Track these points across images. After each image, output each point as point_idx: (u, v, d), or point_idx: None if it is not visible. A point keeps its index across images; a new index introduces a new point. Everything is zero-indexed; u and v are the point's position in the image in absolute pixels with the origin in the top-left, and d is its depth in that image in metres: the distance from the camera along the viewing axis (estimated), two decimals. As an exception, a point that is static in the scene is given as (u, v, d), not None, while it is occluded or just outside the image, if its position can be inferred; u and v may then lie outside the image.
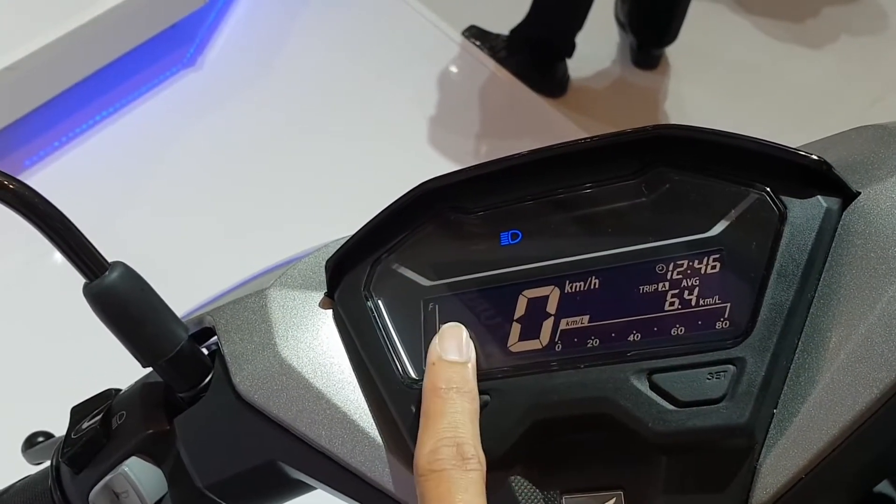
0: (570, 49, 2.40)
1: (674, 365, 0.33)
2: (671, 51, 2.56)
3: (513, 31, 2.45)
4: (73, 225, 0.39)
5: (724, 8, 2.83)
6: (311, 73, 2.50)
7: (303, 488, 0.44)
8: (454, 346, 0.36)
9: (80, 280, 0.39)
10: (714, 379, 0.32)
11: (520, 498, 0.35)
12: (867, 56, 2.62)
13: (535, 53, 2.39)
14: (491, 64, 2.49)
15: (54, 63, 2.13)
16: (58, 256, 0.38)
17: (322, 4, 2.72)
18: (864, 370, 0.31)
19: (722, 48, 2.62)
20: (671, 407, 0.33)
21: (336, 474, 0.39)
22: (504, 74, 2.44)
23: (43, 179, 2.28)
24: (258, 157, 2.28)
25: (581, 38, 2.40)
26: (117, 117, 2.41)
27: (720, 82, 2.52)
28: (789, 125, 2.35)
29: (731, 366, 0.32)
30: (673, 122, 2.24)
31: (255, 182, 2.21)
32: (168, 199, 2.12)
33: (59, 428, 0.51)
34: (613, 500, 0.35)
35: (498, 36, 2.53)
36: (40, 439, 0.57)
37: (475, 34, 2.56)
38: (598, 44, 2.57)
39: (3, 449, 0.75)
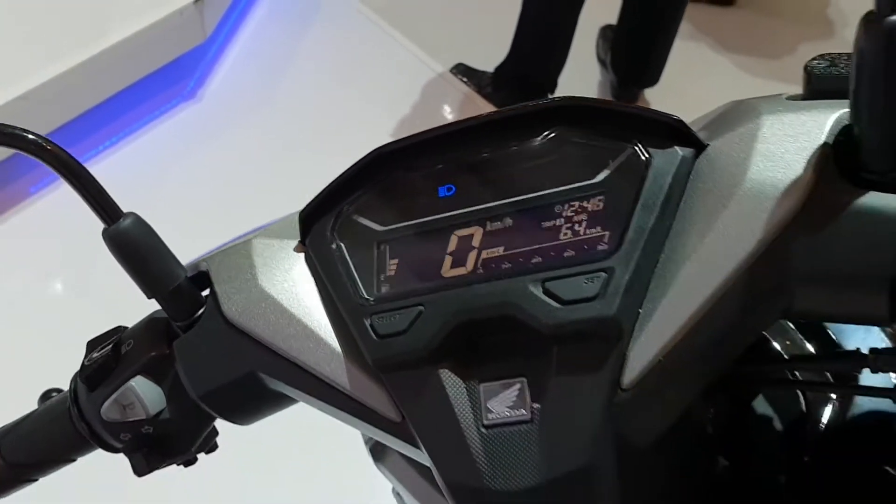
0: (552, 86, 2.52)
1: (562, 274, 0.42)
2: (650, 88, 2.69)
3: (497, 69, 2.59)
4: (95, 179, 0.49)
5: (703, 46, 2.96)
6: (305, 105, 2.62)
7: (281, 401, 0.53)
8: None
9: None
10: (590, 283, 0.42)
11: (447, 386, 0.45)
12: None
13: (519, 90, 2.51)
14: (478, 100, 2.62)
15: (62, 94, 2.25)
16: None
17: (316, 42, 2.86)
18: (704, 272, 0.40)
19: (700, 86, 2.74)
20: (557, 305, 0.42)
21: (305, 380, 0.49)
22: (490, 109, 2.56)
23: (48, 204, 2.39)
24: (256, 185, 2.39)
25: (563, 75, 2.52)
26: (120, 147, 2.53)
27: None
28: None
29: (603, 273, 0.42)
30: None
31: (255, 208, 2.32)
32: (170, 227, 2.22)
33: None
34: (518, 385, 0.44)
35: (484, 73, 2.67)
36: (54, 394, 0.66)
37: (462, 71, 2.71)
38: (579, 81, 2.69)
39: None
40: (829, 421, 0.54)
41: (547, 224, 0.45)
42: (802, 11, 3.10)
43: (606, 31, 2.76)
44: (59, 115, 2.29)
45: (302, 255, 0.51)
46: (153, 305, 0.53)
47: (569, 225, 0.44)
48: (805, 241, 0.39)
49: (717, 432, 0.53)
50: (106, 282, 2.12)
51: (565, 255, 0.43)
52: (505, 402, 0.44)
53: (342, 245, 0.49)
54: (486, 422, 0.44)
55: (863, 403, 0.54)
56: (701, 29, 2.98)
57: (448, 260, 0.46)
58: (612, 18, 2.62)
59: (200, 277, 0.53)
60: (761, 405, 0.55)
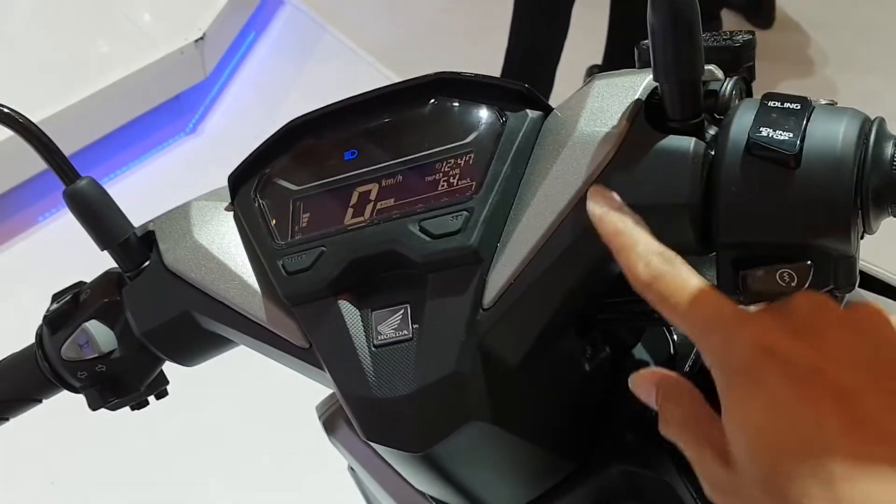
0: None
1: (434, 215, 0.51)
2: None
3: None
4: (57, 147, 0.58)
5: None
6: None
7: (214, 342, 0.61)
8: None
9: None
10: (455, 220, 0.50)
11: (344, 315, 0.53)
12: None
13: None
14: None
15: (66, 127, 2.36)
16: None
17: (314, 81, 2.98)
18: (544, 209, 0.49)
19: None
20: (429, 239, 0.50)
21: (231, 317, 0.57)
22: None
23: (54, 232, 2.49)
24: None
25: (554, 95, 2.62)
26: (123, 178, 2.64)
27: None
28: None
29: (465, 212, 0.50)
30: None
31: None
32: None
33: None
34: (402, 310, 0.52)
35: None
36: None
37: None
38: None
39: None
40: (692, 362, 0.61)
41: (429, 178, 0.53)
42: (780, 48, 3.20)
43: (593, 70, 2.87)
44: (63, 147, 2.39)
45: (231, 213, 0.60)
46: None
47: (445, 178, 0.53)
48: (620, 179, 0.47)
49: (598, 373, 0.60)
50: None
51: (440, 201, 0.52)
52: (391, 325, 0.52)
53: (263, 203, 0.58)
54: (376, 342, 0.52)
55: None
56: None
57: (349, 211, 0.55)
58: (597, 59, 2.72)
59: (147, 237, 0.62)
60: (639, 352, 0.63)
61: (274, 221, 0.57)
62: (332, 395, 0.92)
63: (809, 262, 0.44)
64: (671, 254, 0.43)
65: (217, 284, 0.57)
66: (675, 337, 0.62)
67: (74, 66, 2.52)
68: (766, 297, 0.46)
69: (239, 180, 0.59)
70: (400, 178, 0.54)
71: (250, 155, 0.59)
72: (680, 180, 0.45)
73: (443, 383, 0.50)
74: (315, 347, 0.54)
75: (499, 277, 0.50)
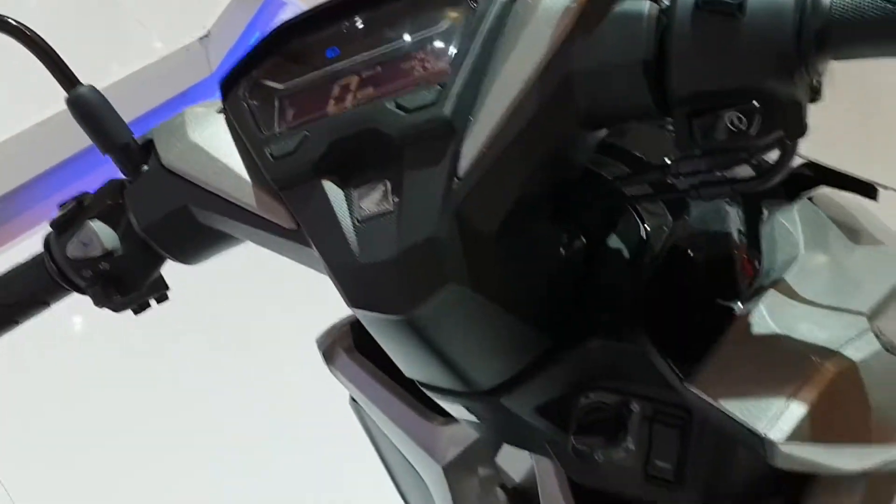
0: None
1: (409, 91, 0.55)
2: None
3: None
4: (58, 54, 0.62)
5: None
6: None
7: (212, 238, 0.65)
8: None
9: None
10: (429, 93, 0.54)
11: (329, 194, 0.56)
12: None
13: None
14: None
15: (72, 124, 2.40)
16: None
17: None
18: (511, 80, 0.52)
19: None
20: (404, 114, 0.54)
21: (225, 207, 0.61)
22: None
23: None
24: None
25: None
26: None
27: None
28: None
29: (439, 86, 0.54)
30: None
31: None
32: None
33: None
34: (383, 186, 0.55)
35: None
36: None
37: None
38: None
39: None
40: (663, 248, 0.64)
41: (406, 65, 0.57)
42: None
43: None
44: (68, 145, 2.45)
45: (223, 115, 0.64)
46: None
47: (420, 62, 0.56)
48: (581, 46, 0.51)
49: (573, 260, 0.64)
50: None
51: (418, 84, 0.55)
52: (373, 201, 0.56)
53: (252, 103, 0.62)
54: (359, 217, 0.56)
55: (691, 237, 0.64)
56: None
57: (332, 101, 0.59)
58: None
59: (147, 145, 0.66)
60: (613, 241, 0.66)
61: (261, 117, 0.60)
62: (332, 327, 0.96)
63: (755, 103, 0.47)
64: None
65: (211, 178, 0.61)
66: (647, 225, 0.66)
67: (81, 64, 2.56)
68: (719, 147, 0.49)
69: (229, 84, 0.63)
70: (378, 68, 0.58)
71: (239, 60, 0.63)
72: (635, 40, 0.49)
73: (421, 247, 0.53)
74: (302, 227, 0.58)
75: (472, 147, 0.53)
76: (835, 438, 0.56)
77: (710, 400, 0.56)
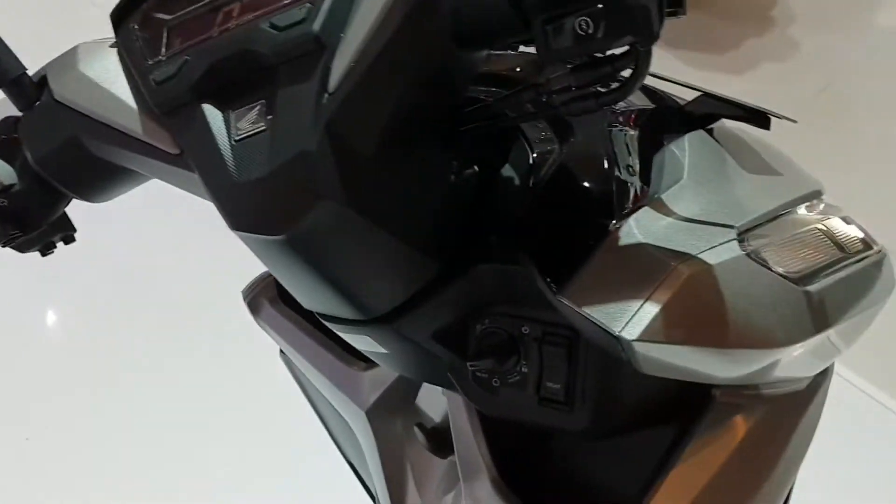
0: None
1: (282, 11, 0.55)
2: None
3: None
4: None
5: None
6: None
7: (106, 171, 0.66)
8: None
9: None
10: (300, 11, 0.54)
11: (208, 117, 0.57)
12: (782, 80, 2.88)
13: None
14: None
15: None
16: None
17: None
18: None
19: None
20: (277, 32, 0.55)
21: (114, 136, 0.62)
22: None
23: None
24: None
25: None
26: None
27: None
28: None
29: (309, 3, 0.54)
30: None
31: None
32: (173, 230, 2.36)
33: None
34: (258, 106, 0.56)
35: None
36: None
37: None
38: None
39: None
40: (548, 172, 0.66)
41: None
42: (744, 9, 3.25)
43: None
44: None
45: (115, 49, 0.65)
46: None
47: None
48: None
49: (464, 187, 0.65)
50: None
51: (294, 5, 0.56)
52: (249, 121, 0.57)
53: (142, 36, 0.62)
54: (236, 138, 0.57)
55: (574, 161, 0.66)
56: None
57: (216, 29, 0.59)
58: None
59: (41, 81, 0.67)
60: (506, 170, 0.68)
61: (150, 47, 0.61)
62: (256, 279, 0.97)
63: (600, 5, 0.48)
64: None
65: (99, 108, 0.62)
66: (534, 151, 0.67)
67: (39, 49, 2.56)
68: (573, 52, 0.51)
69: (120, 17, 0.64)
70: None
71: None
72: None
73: (293, 163, 0.54)
74: (184, 151, 0.59)
75: (341, 61, 0.54)
76: (691, 340, 0.57)
77: (573, 307, 0.57)
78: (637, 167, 0.66)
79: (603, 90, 0.55)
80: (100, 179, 0.68)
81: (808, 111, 2.75)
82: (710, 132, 0.73)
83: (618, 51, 0.53)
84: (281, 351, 1.00)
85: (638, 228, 0.59)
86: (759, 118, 0.74)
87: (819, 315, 0.63)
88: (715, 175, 0.67)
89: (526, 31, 0.53)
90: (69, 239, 0.72)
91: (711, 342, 0.58)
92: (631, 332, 0.55)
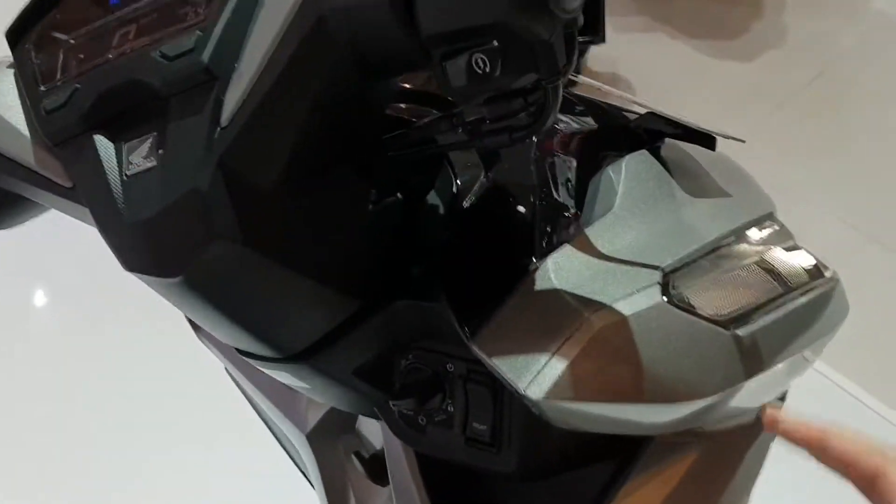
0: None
1: (172, 38, 0.52)
2: (593, 59, 2.77)
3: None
4: None
5: (661, 35, 3.03)
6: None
7: (7, 200, 0.62)
8: None
9: None
10: (189, 39, 0.51)
11: (99, 149, 0.53)
12: (775, 67, 2.83)
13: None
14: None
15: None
16: None
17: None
18: (271, 21, 0.49)
19: (662, 71, 2.82)
20: (166, 62, 0.51)
21: (7, 165, 0.59)
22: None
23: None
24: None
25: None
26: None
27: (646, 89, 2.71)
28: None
29: (199, 31, 0.51)
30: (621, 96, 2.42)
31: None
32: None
33: None
34: (150, 139, 0.53)
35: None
36: None
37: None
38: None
39: None
40: (472, 203, 0.62)
41: (181, 12, 0.54)
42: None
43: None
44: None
45: (12, 70, 0.61)
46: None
47: (194, 9, 0.53)
48: None
49: (385, 216, 0.61)
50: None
51: (181, 27, 0.52)
52: (140, 154, 0.53)
53: (38, 58, 0.59)
54: (127, 173, 0.53)
55: (498, 192, 0.62)
56: (657, 19, 3.07)
57: (111, 52, 0.56)
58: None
59: None
60: (431, 197, 0.64)
61: (46, 70, 0.58)
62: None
63: (496, 43, 0.44)
64: None
65: None
66: (459, 181, 0.63)
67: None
68: (470, 90, 0.47)
69: (16, 36, 0.60)
70: (155, 15, 0.55)
71: (24, 10, 0.60)
72: None
73: (183, 202, 0.51)
74: (76, 184, 0.55)
75: (234, 94, 0.50)
76: (602, 396, 0.54)
77: (484, 357, 0.54)
78: (568, 197, 0.62)
79: (516, 126, 0.51)
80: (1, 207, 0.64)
81: (802, 98, 2.70)
82: (656, 151, 0.69)
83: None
84: (226, 368, 0.97)
85: (555, 271, 0.56)
86: (705, 139, 0.70)
87: (751, 358, 0.59)
88: (651, 203, 0.63)
89: (427, 61, 0.49)
90: None
91: (625, 398, 0.55)
92: (535, 390, 0.52)
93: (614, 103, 0.76)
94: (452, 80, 0.47)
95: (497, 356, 0.54)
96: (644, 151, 0.67)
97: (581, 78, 0.77)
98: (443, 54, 0.46)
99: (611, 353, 0.53)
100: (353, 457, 0.80)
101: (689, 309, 0.57)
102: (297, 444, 0.91)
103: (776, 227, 0.71)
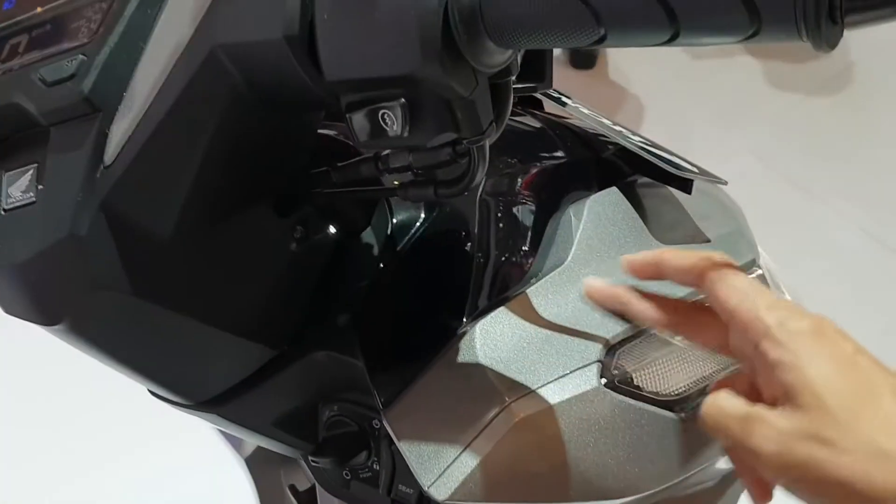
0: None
1: (54, 61, 0.45)
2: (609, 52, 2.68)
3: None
4: None
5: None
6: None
7: None
8: None
9: None
10: (69, 64, 0.44)
11: None
12: (801, 60, 2.71)
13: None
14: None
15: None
16: None
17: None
18: (161, 50, 0.43)
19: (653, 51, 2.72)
20: (45, 87, 0.45)
21: None
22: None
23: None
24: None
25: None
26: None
27: (656, 81, 2.62)
28: (719, 121, 2.45)
29: (82, 55, 0.44)
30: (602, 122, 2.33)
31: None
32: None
33: None
34: (31, 171, 0.47)
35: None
36: None
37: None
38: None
39: None
40: (405, 247, 0.56)
41: (74, 26, 0.47)
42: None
43: None
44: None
45: None
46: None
47: (87, 24, 0.47)
48: (223, 17, 0.41)
49: (314, 254, 0.55)
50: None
51: (67, 47, 0.46)
52: (20, 187, 0.47)
53: None
54: (5, 206, 0.47)
55: (435, 232, 0.56)
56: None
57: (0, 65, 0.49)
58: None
59: None
60: (367, 234, 0.58)
61: None
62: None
63: (403, 100, 0.38)
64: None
65: None
66: (395, 218, 0.57)
67: None
68: (375, 146, 0.41)
69: None
70: (48, 27, 0.49)
71: None
72: (275, 13, 0.39)
73: (59, 247, 0.45)
74: None
75: (119, 128, 0.44)
76: (518, 496, 0.47)
77: (394, 437, 0.48)
78: (518, 245, 0.56)
79: (442, 181, 0.45)
80: None
81: (828, 91, 2.59)
82: (630, 186, 0.62)
83: None
84: None
85: (482, 341, 0.49)
86: (680, 181, 0.63)
87: (702, 444, 0.53)
88: (612, 252, 0.56)
89: (328, 107, 0.43)
90: None
91: (545, 498, 0.48)
92: (440, 490, 0.46)
93: (589, 128, 0.68)
94: (357, 133, 0.40)
95: (405, 440, 0.48)
96: (613, 189, 0.60)
97: (551, 94, 0.70)
98: (349, 104, 0.40)
99: (531, 449, 0.47)
100: (287, 490, 0.75)
101: (632, 391, 0.50)
102: (239, 464, 0.86)
103: (757, 277, 0.64)
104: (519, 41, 0.36)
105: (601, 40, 0.34)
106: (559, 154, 0.64)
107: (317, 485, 0.69)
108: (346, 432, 0.57)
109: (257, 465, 0.81)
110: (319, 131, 0.54)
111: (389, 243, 0.56)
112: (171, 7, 0.43)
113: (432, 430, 0.47)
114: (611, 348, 0.50)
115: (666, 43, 0.33)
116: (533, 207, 0.58)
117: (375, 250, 0.56)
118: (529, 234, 0.57)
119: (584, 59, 2.66)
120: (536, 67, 0.47)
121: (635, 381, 0.50)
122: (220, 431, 0.84)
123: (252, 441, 0.65)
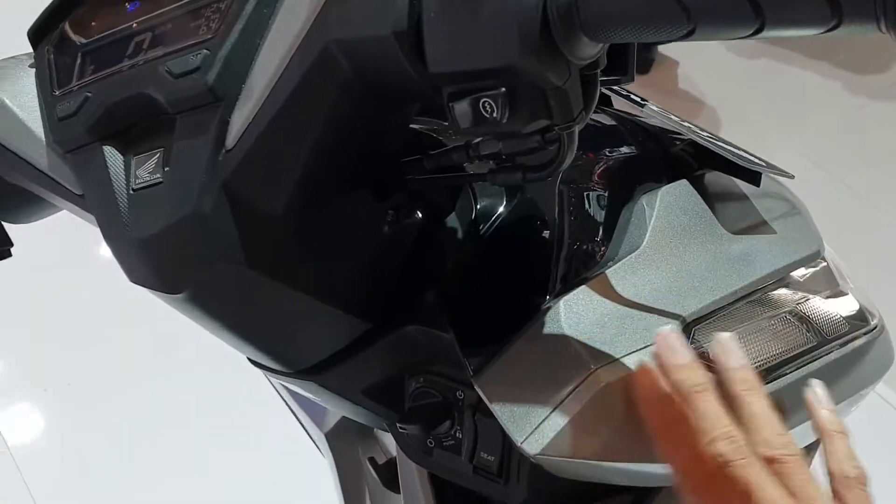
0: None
1: (180, 55, 0.50)
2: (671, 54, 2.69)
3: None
4: None
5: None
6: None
7: (25, 197, 0.62)
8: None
9: None
10: (195, 58, 0.49)
11: (108, 160, 0.53)
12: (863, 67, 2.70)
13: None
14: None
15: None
16: None
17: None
18: (278, 44, 0.47)
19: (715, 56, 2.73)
20: (172, 79, 0.50)
21: (23, 166, 0.58)
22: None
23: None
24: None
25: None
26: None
27: (712, 83, 2.62)
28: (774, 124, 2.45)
29: (206, 50, 0.49)
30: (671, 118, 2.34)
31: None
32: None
33: None
34: (158, 154, 0.52)
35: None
36: None
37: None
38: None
39: None
40: (488, 231, 0.60)
41: (194, 24, 0.52)
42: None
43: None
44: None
45: (33, 69, 0.60)
46: None
47: (207, 23, 0.52)
48: (335, 14, 0.45)
49: (402, 237, 0.59)
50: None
51: (191, 43, 0.51)
52: (147, 169, 0.52)
53: (55, 57, 0.58)
54: (134, 186, 0.52)
55: (517, 217, 0.60)
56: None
57: (126, 61, 0.55)
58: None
59: None
60: (451, 219, 0.62)
61: (62, 74, 0.57)
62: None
63: (503, 90, 0.42)
64: None
65: (9, 136, 0.58)
66: (478, 204, 0.61)
67: None
68: (476, 133, 0.45)
69: (38, 35, 0.60)
70: (170, 25, 0.54)
71: (46, 10, 0.59)
72: (387, 10, 0.44)
73: (184, 223, 0.50)
74: (85, 193, 0.55)
75: (240, 116, 0.49)
76: (603, 455, 0.51)
77: (486, 400, 0.52)
78: (594, 230, 0.59)
79: (530, 166, 0.49)
80: (18, 204, 0.64)
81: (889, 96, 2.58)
82: (699, 179, 0.66)
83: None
84: None
85: (566, 315, 0.53)
86: (749, 174, 0.66)
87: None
88: (684, 240, 0.60)
89: (432, 97, 0.47)
90: (5, 254, 0.69)
91: (628, 458, 0.52)
92: (532, 445, 0.50)
93: (659, 125, 0.72)
94: (459, 120, 0.44)
95: (497, 402, 0.52)
96: (684, 182, 0.63)
97: (621, 90, 0.73)
98: (450, 94, 0.44)
99: (615, 412, 0.51)
100: (367, 462, 0.80)
101: (708, 364, 0.54)
102: (317, 440, 0.91)
103: (822, 268, 0.67)
104: (611, 35, 0.40)
105: (690, 34, 0.38)
106: (630, 148, 0.68)
107: (398, 455, 0.74)
108: (431, 402, 0.61)
109: (337, 439, 0.86)
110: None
111: (474, 227, 0.60)
112: (286, 7, 0.48)
113: (522, 393, 0.51)
114: (686, 325, 0.54)
115: (750, 36, 0.37)
116: (607, 196, 0.62)
117: (460, 233, 0.60)
118: (604, 220, 0.60)
119: (639, 65, 2.67)
120: (620, 62, 0.51)
121: (710, 356, 0.54)
122: (301, 409, 0.89)
123: (341, 410, 0.69)
